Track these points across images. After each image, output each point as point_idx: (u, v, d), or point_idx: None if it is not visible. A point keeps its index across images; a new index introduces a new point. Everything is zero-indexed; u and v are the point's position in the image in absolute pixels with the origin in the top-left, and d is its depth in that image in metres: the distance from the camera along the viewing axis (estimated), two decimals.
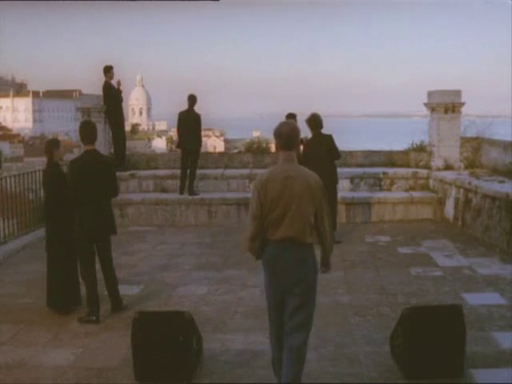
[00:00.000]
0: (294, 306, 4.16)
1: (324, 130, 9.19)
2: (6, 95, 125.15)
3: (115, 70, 11.80)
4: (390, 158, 12.36)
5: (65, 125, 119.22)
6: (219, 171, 12.07)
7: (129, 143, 12.68)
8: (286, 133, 4.19)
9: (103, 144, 11.46)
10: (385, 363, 4.91)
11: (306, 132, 9.01)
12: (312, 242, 4.18)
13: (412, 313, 4.70)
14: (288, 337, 4.21)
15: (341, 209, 10.54)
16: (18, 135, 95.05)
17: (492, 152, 11.25)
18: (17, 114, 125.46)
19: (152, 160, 12.60)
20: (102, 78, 11.77)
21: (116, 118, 11.97)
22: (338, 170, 9.48)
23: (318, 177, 4.22)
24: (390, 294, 6.75)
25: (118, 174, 7.42)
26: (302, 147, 9.09)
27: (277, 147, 4.26)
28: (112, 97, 11.77)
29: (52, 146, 6.57)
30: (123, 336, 5.44)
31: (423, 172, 11.61)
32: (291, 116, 9.65)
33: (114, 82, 11.83)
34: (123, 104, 12.26)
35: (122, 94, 12.08)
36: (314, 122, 9.10)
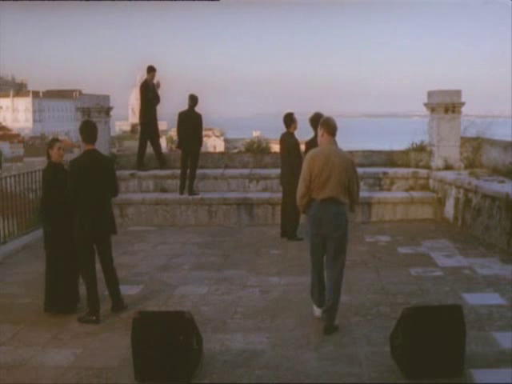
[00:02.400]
0: (333, 247, 5.64)
1: None
2: (6, 95, 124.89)
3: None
4: (390, 158, 12.35)
5: (65, 125, 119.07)
6: (219, 171, 12.07)
7: (129, 143, 12.71)
8: (333, 123, 5.72)
9: (103, 144, 11.46)
10: (385, 363, 4.91)
11: (308, 131, 9.01)
12: (345, 201, 5.62)
13: (412, 313, 4.70)
14: (329, 270, 5.73)
15: None
16: (18, 135, 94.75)
17: (492, 152, 11.25)
18: (17, 114, 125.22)
19: (152, 160, 12.57)
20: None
21: (145, 119, 11.99)
22: None
23: (350, 155, 5.90)
24: (390, 293, 6.75)
25: (118, 173, 7.39)
26: (304, 148, 9.10)
27: (322, 133, 5.71)
28: (146, 97, 11.81)
29: (48, 146, 6.64)
30: (123, 336, 5.44)
31: (423, 172, 11.60)
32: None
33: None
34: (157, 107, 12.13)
35: (157, 97, 12.02)
36: (317, 121, 9.07)
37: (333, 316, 5.67)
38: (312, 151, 5.80)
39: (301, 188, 5.69)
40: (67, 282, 6.38)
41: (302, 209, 5.84)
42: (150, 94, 11.82)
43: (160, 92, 12.12)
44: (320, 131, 5.77)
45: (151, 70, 11.96)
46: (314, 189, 5.57)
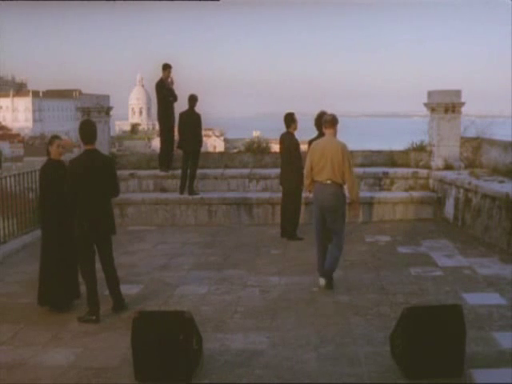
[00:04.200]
0: (332, 220, 6.96)
1: None
2: (6, 95, 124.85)
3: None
4: (390, 158, 12.35)
5: (65, 125, 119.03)
6: (219, 171, 12.07)
7: (129, 143, 12.68)
8: (330, 119, 7.02)
9: (103, 144, 11.45)
10: (385, 363, 4.91)
11: (309, 131, 9.02)
12: (341, 182, 6.90)
13: (412, 313, 4.70)
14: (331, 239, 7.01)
15: None
16: (18, 135, 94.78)
17: (492, 152, 11.25)
18: (17, 113, 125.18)
19: (152, 160, 12.58)
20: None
21: (162, 117, 11.89)
22: None
23: (344, 144, 6.94)
24: (390, 293, 6.75)
25: (118, 173, 7.37)
26: (307, 147, 9.09)
27: (324, 128, 7.02)
28: (162, 96, 11.70)
29: (48, 143, 6.66)
30: (123, 336, 5.43)
31: (423, 172, 11.60)
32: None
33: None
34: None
35: (173, 93, 11.81)
36: (320, 121, 9.09)
37: (330, 273, 7.00)
38: (314, 143, 7.25)
39: (305, 172, 7.14)
40: (63, 280, 6.36)
41: (308, 188, 7.23)
42: (164, 91, 11.69)
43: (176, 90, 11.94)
44: (323, 127, 7.14)
45: (166, 67, 11.74)
46: (315, 173, 6.93)
